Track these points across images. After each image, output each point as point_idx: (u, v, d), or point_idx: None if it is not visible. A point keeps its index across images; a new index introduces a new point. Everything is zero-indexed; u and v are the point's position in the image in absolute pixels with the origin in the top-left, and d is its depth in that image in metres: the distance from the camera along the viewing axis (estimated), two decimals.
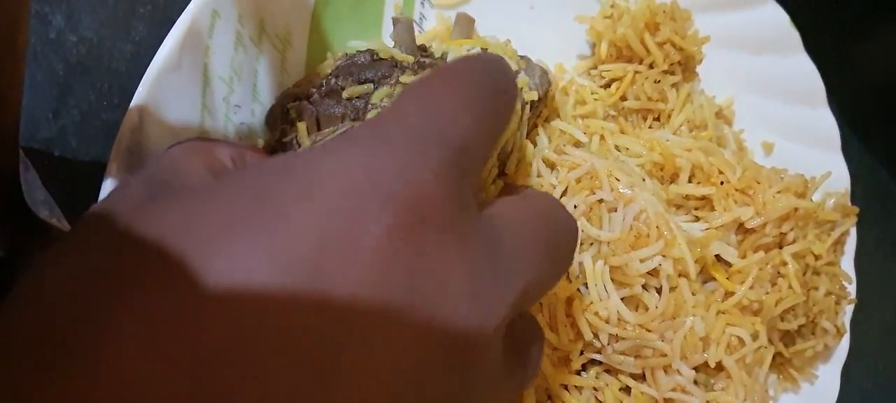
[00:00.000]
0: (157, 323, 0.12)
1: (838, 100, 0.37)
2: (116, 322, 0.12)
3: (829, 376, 0.35)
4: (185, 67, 0.25)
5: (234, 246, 0.13)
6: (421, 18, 0.31)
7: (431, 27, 0.31)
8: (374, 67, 0.26)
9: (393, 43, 0.28)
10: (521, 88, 0.26)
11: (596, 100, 0.32)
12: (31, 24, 0.25)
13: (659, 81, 0.31)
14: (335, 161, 0.14)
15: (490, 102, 0.17)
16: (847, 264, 0.36)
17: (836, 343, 0.35)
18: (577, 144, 0.30)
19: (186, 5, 0.25)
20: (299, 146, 0.26)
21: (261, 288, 0.12)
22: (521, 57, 0.28)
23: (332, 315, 0.13)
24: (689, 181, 0.30)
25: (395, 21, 0.28)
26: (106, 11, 0.26)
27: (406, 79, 0.26)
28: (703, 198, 0.30)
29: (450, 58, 0.27)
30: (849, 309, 0.36)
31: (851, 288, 0.36)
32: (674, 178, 0.30)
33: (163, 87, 0.25)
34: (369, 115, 0.25)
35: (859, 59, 0.43)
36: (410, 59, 0.26)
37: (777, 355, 0.34)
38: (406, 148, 0.15)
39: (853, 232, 0.36)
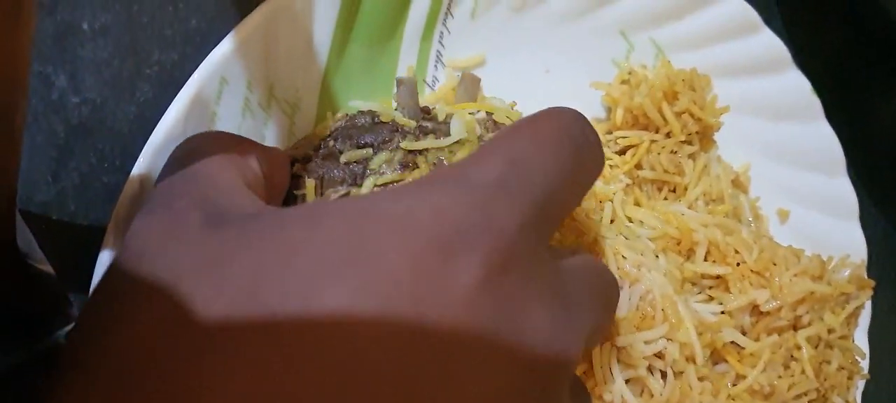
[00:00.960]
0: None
1: (854, 164, 0.36)
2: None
3: None
4: (190, 134, 0.24)
5: (332, 291, 0.13)
6: (434, 81, 0.30)
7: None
8: (374, 131, 0.25)
9: (396, 105, 0.27)
10: None
11: (610, 166, 0.31)
12: (32, 85, 0.24)
13: (675, 152, 0.31)
14: (422, 203, 0.15)
15: (578, 155, 0.18)
16: (860, 338, 0.35)
17: None
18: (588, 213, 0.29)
19: (194, 66, 0.24)
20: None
21: (365, 342, 0.13)
22: None
23: (433, 345, 0.13)
24: (705, 258, 0.29)
25: (399, 82, 0.28)
26: (110, 72, 0.25)
27: (407, 144, 0.25)
28: (718, 277, 0.29)
29: (454, 123, 0.26)
30: (860, 384, 0.35)
31: (864, 363, 0.35)
32: (689, 254, 0.29)
33: (166, 156, 0.24)
34: (367, 182, 0.25)
35: (875, 122, 0.42)
36: (412, 123, 0.26)
37: None
38: (490, 196, 0.15)
39: (867, 304, 0.35)
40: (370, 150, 0.25)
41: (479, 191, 0.15)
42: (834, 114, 0.35)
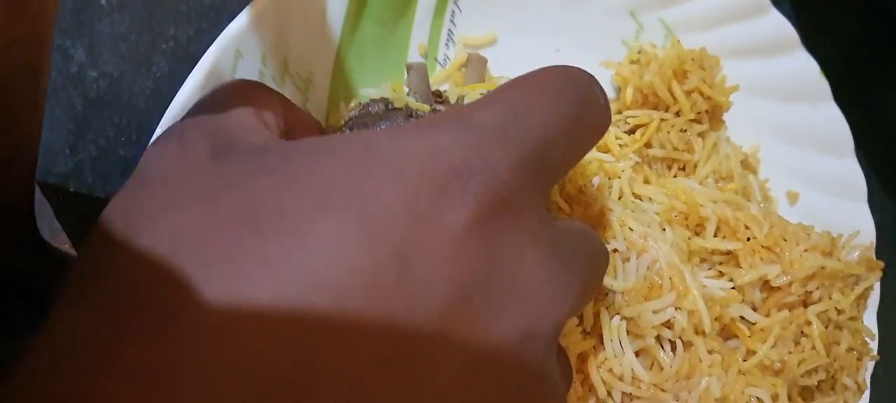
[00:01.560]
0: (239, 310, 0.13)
1: (863, 148, 0.36)
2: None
3: None
4: None
5: (324, 223, 0.13)
6: (445, 59, 0.30)
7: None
8: (388, 118, 0.25)
9: (407, 90, 0.27)
10: None
11: (621, 145, 0.31)
12: (52, 59, 0.25)
13: (685, 130, 0.31)
14: (419, 142, 0.15)
15: (580, 112, 0.18)
16: (869, 319, 0.35)
17: (857, 400, 0.35)
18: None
19: (209, 42, 0.25)
20: None
21: (351, 268, 0.13)
22: None
23: (419, 282, 0.13)
24: (715, 235, 0.29)
25: (409, 68, 0.28)
26: (127, 46, 0.25)
27: None
28: (729, 252, 0.29)
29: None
30: (870, 365, 0.35)
31: (873, 344, 0.35)
32: (698, 230, 0.30)
33: None
34: None
35: (885, 107, 0.42)
36: (426, 108, 0.26)
37: None
38: (488, 139, 0.15)
39: (877, 286, 0.35)
40: None
41: (477, 133, 0.15)
42: (842, 97, 0.35)
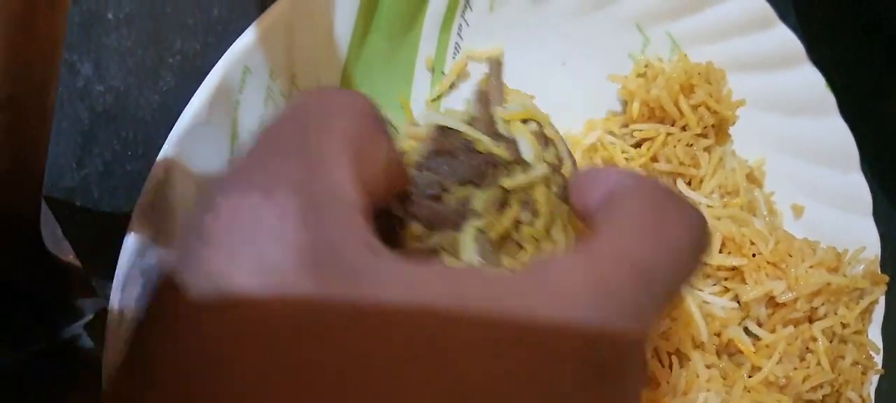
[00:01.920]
0: None
1: (866, 160, 0.36)
2: None
3: None
4: (215, 122, 0.25)
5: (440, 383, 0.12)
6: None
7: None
8: (469, 159, 0.23)
9: (467, 113, 0.25)
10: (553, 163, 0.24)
11: (627, 159, 0.31)
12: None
13: (691, 145, 0.31)
14: (562, 321, 0.14)
15: (698, 268, 0.18)
16: (874, 333, 0.35)
17: None
18: None
19: (216, 56, 0.25)
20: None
21: None
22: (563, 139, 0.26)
23: None
24: (720, 251, 0.29)
25: (480, 94, 0.25)
26: (134, 61, 0.25)
27: (508, 183, 0.23)
28: (734, 268, 0.29)
29: (524, 146, 0.24)
30: (874, 379, 0.35)
31: (878, 359, 0.35)
32: None
33: (191, 142, 0.24)
34: (470, 225, 0.22)
35: (888, 119, 0.42)
36: (506, 155, 0.23)
37: None
38: (627, 316, 0.14)
39: (881, 300, 0.35)
40: (473, 187, 0.23)
41: (615, 311, 0.14)
42: (847, 111, 0.35)
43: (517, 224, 0.23)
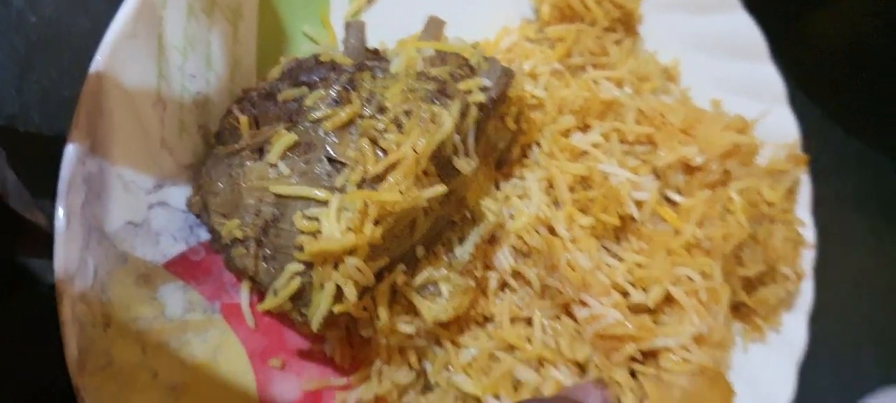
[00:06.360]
0: None
1: (793, 65, 0.38)
2: None
3: (795, 324, 0.35)
4: (141, 36, 0.26)
5: None
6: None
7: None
8: (313, 70, 0.27)
9: (343, 48, 0.29)
10: (471, 91, 0.27)
11: (544, 59, 0.33)
12: None
13: (600, 38, 0.33)
14: None
15: None
16: (802, 213, 0.37)
17: (797, 289, 0.36)
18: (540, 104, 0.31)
19: None
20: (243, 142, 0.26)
21: None
22: (486, 59, 0.28)
23: None
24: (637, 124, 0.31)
25: (347, 26, 0.29)
26: None
27: (343, 80, 0.26)
28: (649, 139, 0.31)
29: (394, 60, 0.27)
30: (808, 256, 0.37)
31: (809, 235, 0.36)
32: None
33: (120, 55, 0.26)
34: (304, 121, 0.25)
35: (813, 25, 0.44)
36: (348, 61, 0.27)
37: (742, 305, 0.35)
38: None
39: (807, 182, 0.37)
40: (306, 89, 0.26)
41: None
42: (772, 19, 0.37)
43: (364, 119, 0.25)
